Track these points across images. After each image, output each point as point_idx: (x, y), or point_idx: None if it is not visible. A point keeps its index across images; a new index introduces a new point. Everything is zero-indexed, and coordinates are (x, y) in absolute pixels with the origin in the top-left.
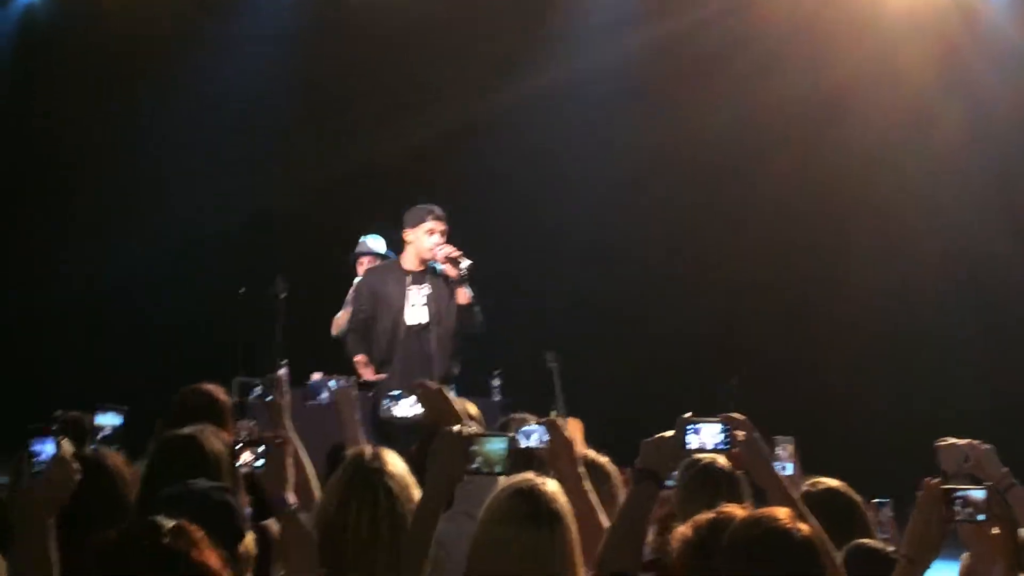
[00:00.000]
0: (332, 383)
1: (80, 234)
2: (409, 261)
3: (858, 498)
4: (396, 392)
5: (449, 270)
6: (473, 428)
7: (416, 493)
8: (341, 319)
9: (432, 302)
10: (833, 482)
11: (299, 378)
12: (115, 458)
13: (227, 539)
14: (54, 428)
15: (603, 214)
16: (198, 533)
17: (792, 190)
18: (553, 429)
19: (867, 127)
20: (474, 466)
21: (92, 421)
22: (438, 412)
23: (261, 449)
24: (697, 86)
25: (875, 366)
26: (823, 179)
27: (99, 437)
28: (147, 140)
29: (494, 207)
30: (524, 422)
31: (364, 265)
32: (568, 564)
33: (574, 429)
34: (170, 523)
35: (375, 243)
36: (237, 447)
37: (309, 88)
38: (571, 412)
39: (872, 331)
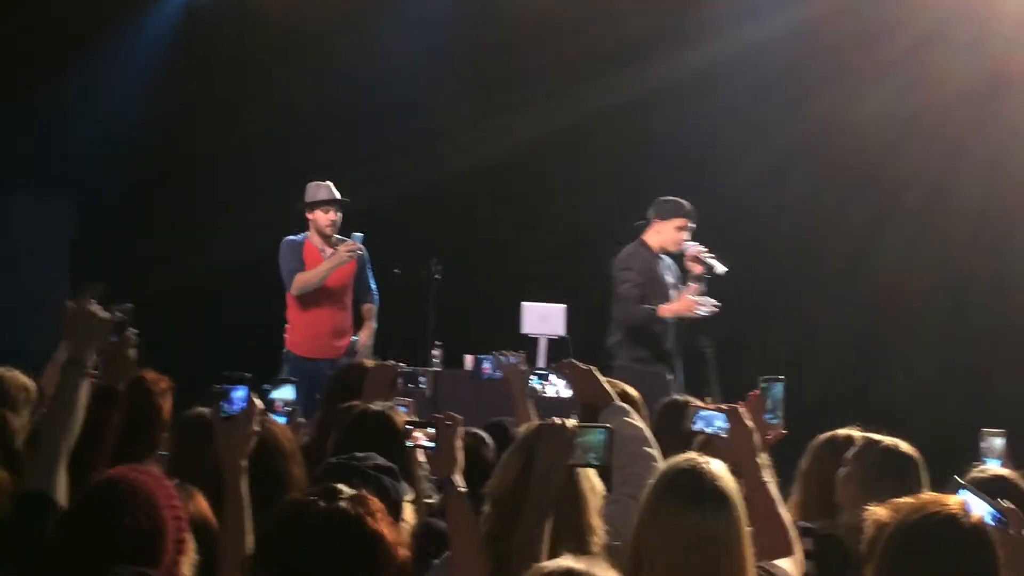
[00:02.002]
0: (504, 359)
1: (238, 212)
2: (655, 247)
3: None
4: (543, 371)
5: (694, 267)
6: (574, 420)
7: (592, 472)
8: (302, 279)
9: (676, 288)
10: (1002, 470)
11: (452, 359)
12: (278, 430)
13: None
14: (248, 377)
15: (756, 196)
16: (377, 504)
17: (953, 170)
18: (735, 418)
19: None
20: (578, 457)
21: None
22: (590, 392)
23: (432, 430)
24: (855, 63)
25: None
26: (986, 158)
27: (278, 410)
28: (306, 124)
29: (642, 190)
30: (695, 406)
31: (330, 215)
32: (734, 546)
33: None
34: (351, 490)
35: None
36: (408, 428)
37: (468, 65)
38: (725, 398)
39: None
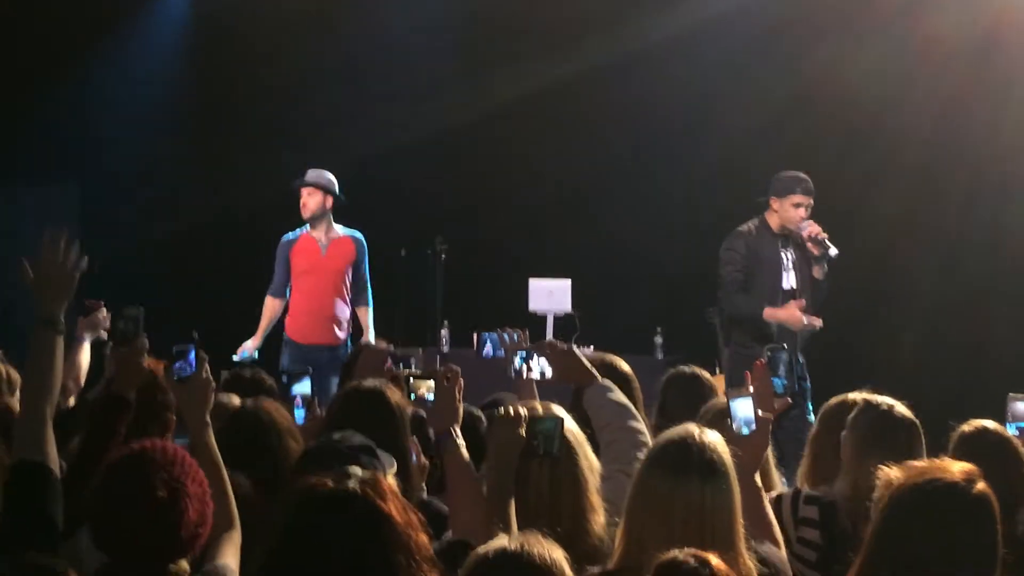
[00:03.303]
0: (506, 337)
1: (246, 196)
2: (775, 225)
3: (1009, 435)
4: (525, 352)
5: (812, 248)
6: (525, 410)
7: (590, 451)
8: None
9: (797, 268)
10: (988, 423)
11: (460, 339)
12: (273, 411)
13: None
14: (196, 338)
15: (749, 153)
16: (388, 485)
17: (944, 130)
18: (764, 427)
19: None
20: (541, 448)
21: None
22: (570, 372)
23: (432, 383)
24: (849, 20)
25: None
26: (981, 115)
27: (297, 405)
28: (310, 88)
29: (632, 150)
30: (740, 393)
31: (303, 198)
32: (722, 518)
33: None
34: (364, 472)
35: (318, 175)
36: (410, 380)
37: (464, 34)
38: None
39: None
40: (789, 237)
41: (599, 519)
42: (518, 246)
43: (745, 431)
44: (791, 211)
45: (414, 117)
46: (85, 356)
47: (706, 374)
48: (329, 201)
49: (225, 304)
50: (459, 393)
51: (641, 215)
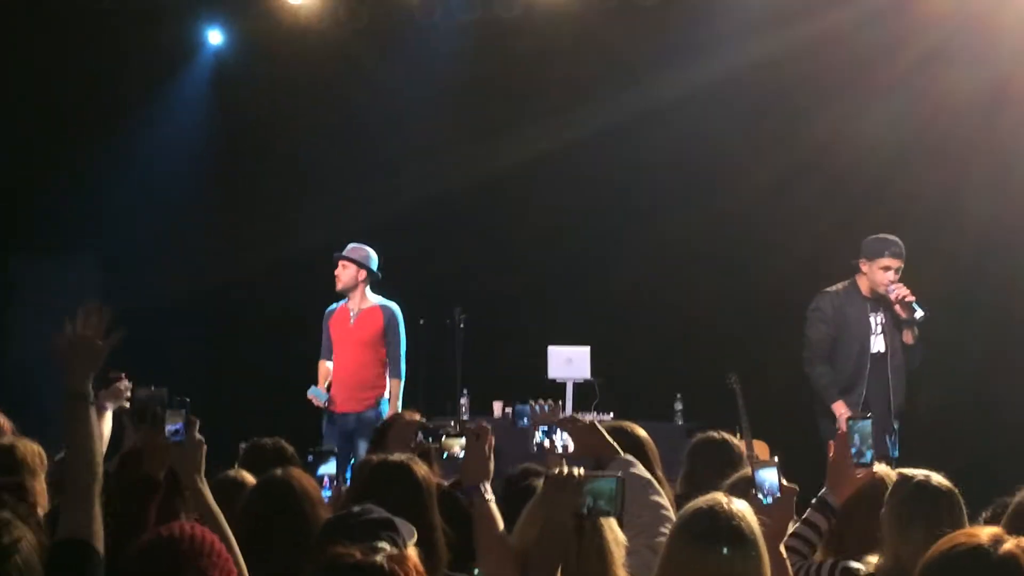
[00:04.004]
0: (537, 408)
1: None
2: (865, 288)
3: None
4: (547, 426)
5: (900, 311)
6: (581, 469)
7: (615, 524)
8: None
9: (887, 332)
10: None
11: (480, 406)
12: (303, 480)
13: None
14: (187, 402)
15: (759, 214)
16: (415, 563)
17: (956, 188)
18: (788, 498)
19: None
20: (585, 507)
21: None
22: (591, 446)
23: (463, 441)
24: (858, 81)
25: None
26: (990, 176)
27: (324, 486)
28: (324, 155)
29: (644, 211)
30: (765, 463)
31: (337, 268)
32: None
33: (760, 451)
34: (391, 548)
35: (355, 249)
36: (442, 439)
37: (477, 101)
38: (755, 433)
39: None
40: (879, 301)
41: None
42: (534, 312)
43: (769, 501)
44: (879, 274)
45: (421, 181)
46: (107, 425)
47: (733, 439)
48: (362, 274)
49: (241, 370)
50: (489, 450)
51: (655, 276)
